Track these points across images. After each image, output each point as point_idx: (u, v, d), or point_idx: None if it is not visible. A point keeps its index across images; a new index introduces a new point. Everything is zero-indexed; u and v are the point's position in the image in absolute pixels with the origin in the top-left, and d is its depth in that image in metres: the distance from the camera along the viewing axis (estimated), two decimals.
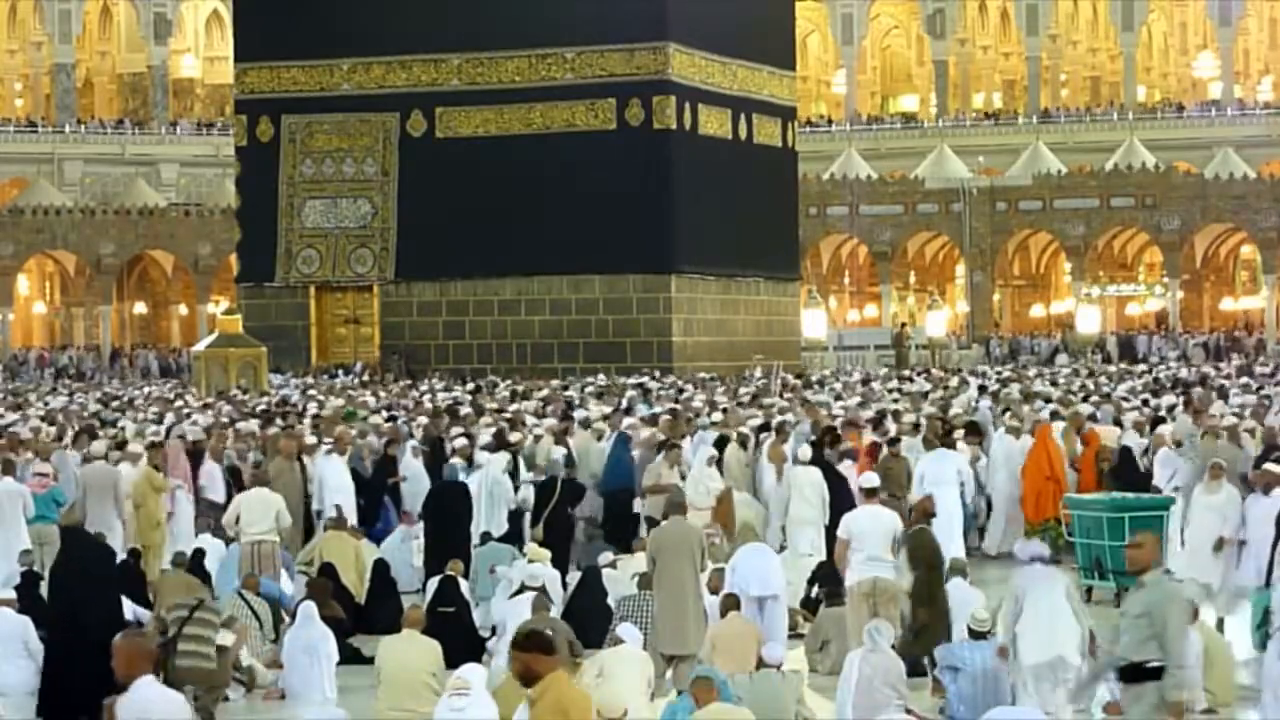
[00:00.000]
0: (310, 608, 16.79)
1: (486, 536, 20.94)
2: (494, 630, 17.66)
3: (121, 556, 20.12)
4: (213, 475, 23.17)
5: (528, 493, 22.47)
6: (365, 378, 51.33)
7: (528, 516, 22.31)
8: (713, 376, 46.61)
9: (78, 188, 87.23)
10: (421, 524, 22.18)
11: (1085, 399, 32.89)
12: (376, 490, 24.01)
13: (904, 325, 73.00)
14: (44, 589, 17.10)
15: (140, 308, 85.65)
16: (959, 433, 25.05)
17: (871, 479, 17.85)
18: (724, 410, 30.37)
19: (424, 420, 29.57)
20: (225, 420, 31.06)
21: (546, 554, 18.64)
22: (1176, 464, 22.89)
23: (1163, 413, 28.18)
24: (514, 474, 23.13)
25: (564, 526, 21.55)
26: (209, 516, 22.67)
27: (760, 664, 14.60)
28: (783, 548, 20.87)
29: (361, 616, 19.21)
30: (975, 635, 14.85)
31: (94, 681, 11.41)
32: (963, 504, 21.98)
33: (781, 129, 61.05)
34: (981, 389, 37.48)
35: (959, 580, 16.83)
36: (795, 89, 65.02)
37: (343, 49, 56.44)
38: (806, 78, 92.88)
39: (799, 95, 70.02)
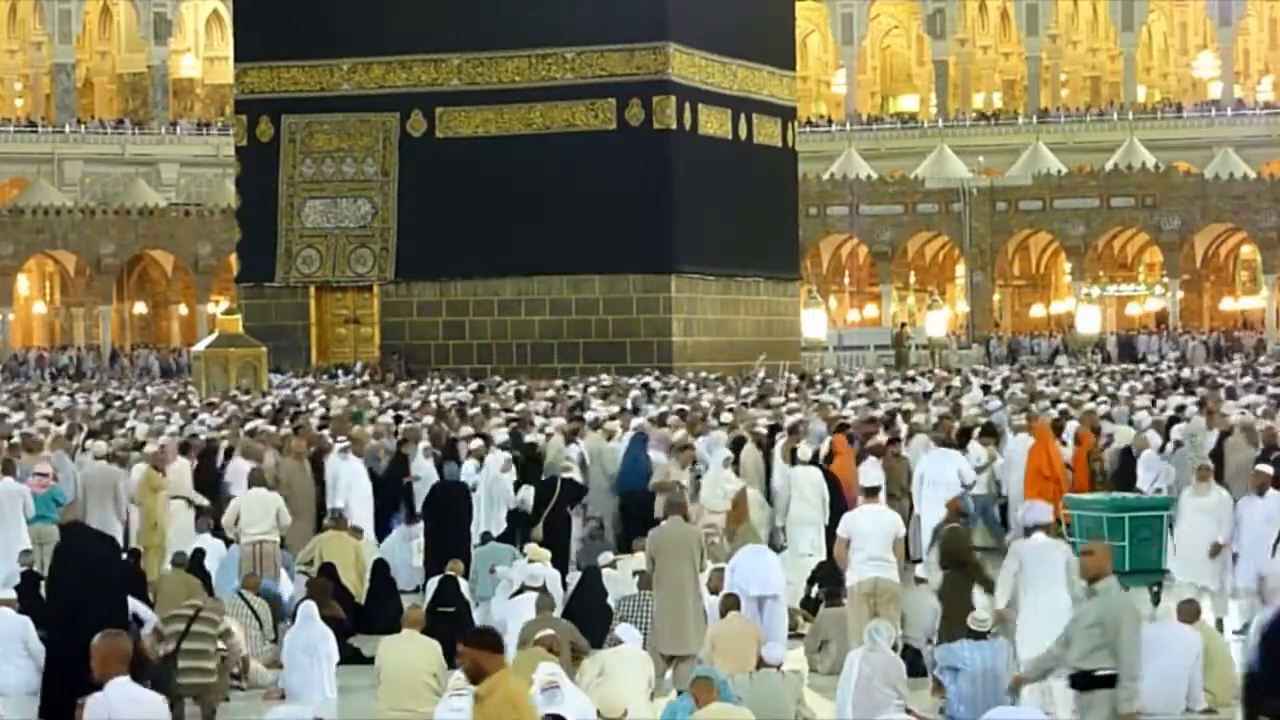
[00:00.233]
0: (310, 608, 16.79)
1: (486, 536, 20.95)
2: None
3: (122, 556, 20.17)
4: (240, 473, 23.16)
5: (527, 493, 22.48)
6: (366, 378, 51.31)
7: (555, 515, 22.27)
8: (716, 376, 46.61)
9: (78, 188, 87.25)
10: (421, 524, 22.20)
11: (1093, 398, 32.93)
12: (391, 491, 24.00)
13: (904, 325, 73.02)
14: (44, 589, 17.09)
15: (140, 308, 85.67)
16: (976, 433, 25.04)
17: (872, 478, 17.85)
18: (730, 410, 30.42)
19: (429, 420, 29.61)
20: (237, 420, 31.13)
21: (546, 554, 18.63)
22: (1159, 466, 22.90)
23: (1172, 412, 28.10)
24: (533, 475, 23.03)
25: (564, 526, 21.54)
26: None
27: (760, 664, 14.60)
28: (782, 548, 20.87)
29: (361, 616, 19.21)
30: (975, 635, 14.85)
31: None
32: (962, 504, 21.94)
33: (781, 129, 61.05)
34: (985, 389, 37.49)
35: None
36: (795, 89, 65.02)
37: (343, 49, 56.42)
38: (806, 78, 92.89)
39: (799, 95, 70.02)
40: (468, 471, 23.46)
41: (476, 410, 32.00)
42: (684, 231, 54.68)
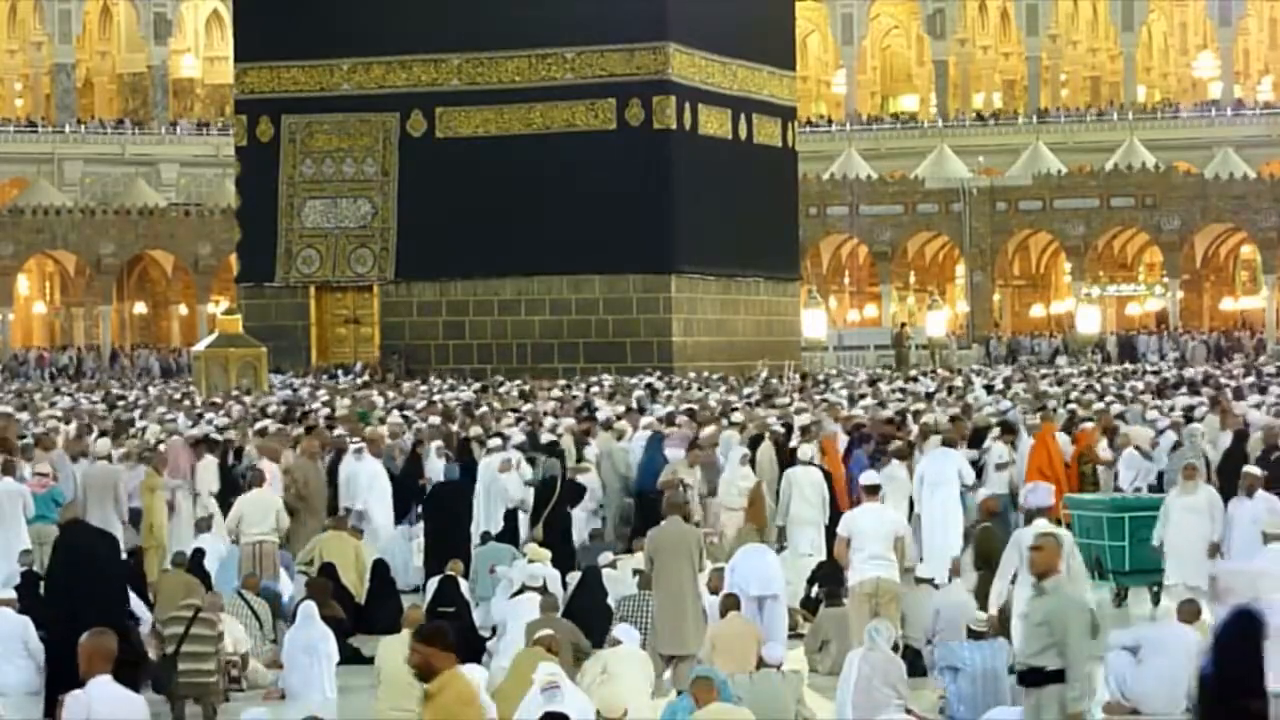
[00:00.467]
0: (310, 608, 16.79)
1: (486, 536, 20.94)
2: (494, 630, 17.66)
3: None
4: (271, 473, 23.16)
5: (526, 493, 22.47)
6: (366, 378, 51.31)
7: (578, 515, 22.26)
8: (719, 377, 46.61)
9: (78, 188, 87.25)
10: (421, 524, 22.20)
11: (1100, 398, 32.95)
12: (407, 491, 23.98)
13: (904, 325, 72.99)
14: (43, 588, 17.09)
15: (140, 308, 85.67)
16: (995, 431, 25.03)
17: (872, 477, 17.85)
18: (736, 409, 30.42)
19: (435, 420, 29.62)
20: (245, 421, 31.14)
21: (546, 554, 18.62)
22: (1140, 465, 22.87)
23: (1180, 413, 28.04)
24: (559, 476, 23.04)
25: (564, 526, 21.53)
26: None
27: (760, 664, 14.60)
28: (782, 548, 20.87)
29: (361, 616, 19.21)
30: (975, 635, 14.85)
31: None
32: (963, 504, 21.94)
33: (781, 129, 61.05)
34: (988, 389, 37.51)
35: (959, 581, 16.83)
36: (795, 89, 65.02)
37: (343, 49, 56.42)
38: (806, 78, 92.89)
39: (799, 95, 70.03)
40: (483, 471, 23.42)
41: (485, 410, 31.98)
42: (684, 231, 54.68)
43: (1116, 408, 29.25)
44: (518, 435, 25.42)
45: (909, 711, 13.70)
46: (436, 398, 37.96)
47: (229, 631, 16.51)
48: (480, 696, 9.80)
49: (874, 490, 17.13)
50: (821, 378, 46.61)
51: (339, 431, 27.14)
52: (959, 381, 41.59)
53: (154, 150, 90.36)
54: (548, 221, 53.51)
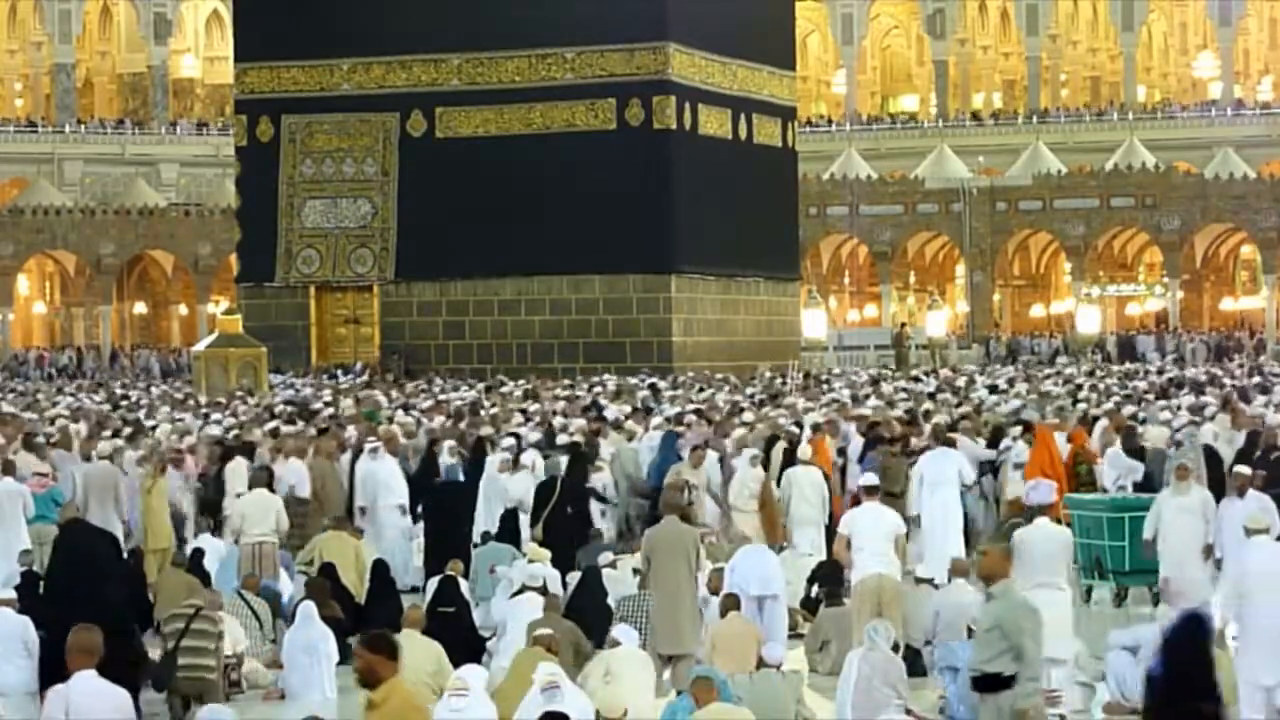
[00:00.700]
0: (310, 608, 16.79)
1: (486, 536, 20.94)
2: (494, 630, 17.66)
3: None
4: (300, 474, 23.16)
5: (526, 492, 22.47)
6: (366, 378, 51.31)
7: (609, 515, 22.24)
8: (722, 377, 46.61)
9: (78, 188, 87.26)
10: (421, 524, 22.19)
11: (1106, 398, 32.98)
12: (422, 490, 23.98)
13: (904, 325, 73.00)
14: (43, 587, 17.08)
15: (140, 308, 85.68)
16: (1014, 430, 25.03)
17: (870, 478, 17.86)
18: (743, 409, 30.43)
19: (440, 420, 29.64)
20: (251, 420, 31.13)
21: (546, 554, 18.62)
22: (1124, 465, 22.84)
23: (1186, 413, 28.01)
24: (579, 475, 23.03)
25: (564, 526, 21.52)
26: (298, 513, 22.50)
27: (760, 664, 14.60)
28: (783, 548, 20.87)
29: (361, 616, 19.19)
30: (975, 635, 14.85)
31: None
32: (963, 504, 21.95)
33: (781, 129, 61.05)
34: (992, 389, 37.52)
35: (960, 581, 16.82)
36: (795, 89, 65.02)
37: (343, 49, 56.42)
38: (806, 78, 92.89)
39: (799, 95, 70.02)
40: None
41: (497, 410, 31.96)
42: (684, 231, 54.67)
43: (1129, 409, 29.22)
44: (534, 434, 25.43)
45: (909, 712, 13.71)
46: (442, 398, 37.97)
47: (228, 632, 16.52)
48: (424, 708, 9.77)
49: (873, 490, 17.15)
50: (824, 378, 46.61)
51: (350, 431, 27.15)
52: (962, 382, 41.60)
53: (154, 150, 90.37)
54: (548, 221, 53.51)
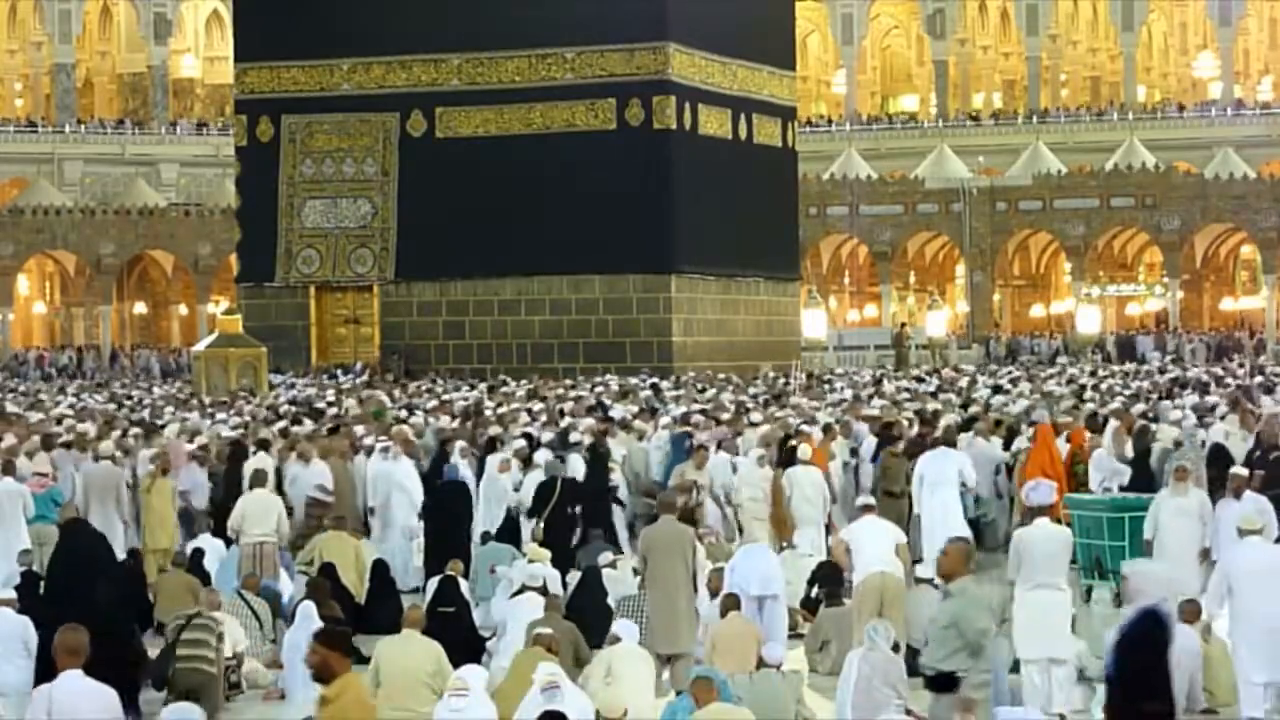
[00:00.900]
0: (309, 608, 16.78)
1: (486, 536, 20.94)
2: (494, 630, 17.66)
3: (121, 556, 20.18)
4: (323, 473, 23.15)
5: (525, 493, 22.48)
6: (366, 377, 51.30)
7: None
8: (724, 377, 46.61)
9: (78, 188, 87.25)
10: (422, 524, 22.19)
11: (1112, 397, 33.00)
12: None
13: (904, 325, 72.99)
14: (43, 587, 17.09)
15: (140, 308, 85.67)
16: (1029, 430, 25.01)
17: (867, 498, 18.02)
18: (748, 410, 30.44)
19: (444, 420, 29.63)
20: (258, 420, 31.13)
21: (546, 554, 18.62)
22: (1109, 466, 22.83)
23: (1188, 413, 28.01)
24: (598, 474, 23.01)
25: (564, 526, 21.53)
26: (315, 515, 22.50)
27: (760, 664, 14.60)
28: (783, 548, 20.88)
29: (361, 616, 19.21)
30: None
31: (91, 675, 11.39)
32: (963, 504, 21.95)
33: (781, 129, 61.04)
34: (996, 389, 37.53)
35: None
36: (795, 89, 65.01)
37: (343, 49, 56.41)
38: (806, 78, 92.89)
39: (799, 95, 70.01)
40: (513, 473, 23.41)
41: (506, 410, 31.95)
42: (684, 231, 54.67)
43: (1138, 408, 29.21)
44: (547, 434, 25.44)
45: (909, 712, 13.69)
46: (445, 397, 37.97)
47: (228, 632, 16.52)
48: (374, 705, 9.78)
49: (870, 509, 17.33)
50: (827, 378, 46.61)
51: (359, 430, 27.16)
52: (964, 382, 41.61)
53: (154, 150, 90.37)
54: (548, 221, 53.50)
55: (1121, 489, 22.59)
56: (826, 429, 25.45)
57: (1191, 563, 17.84)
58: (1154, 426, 25.82)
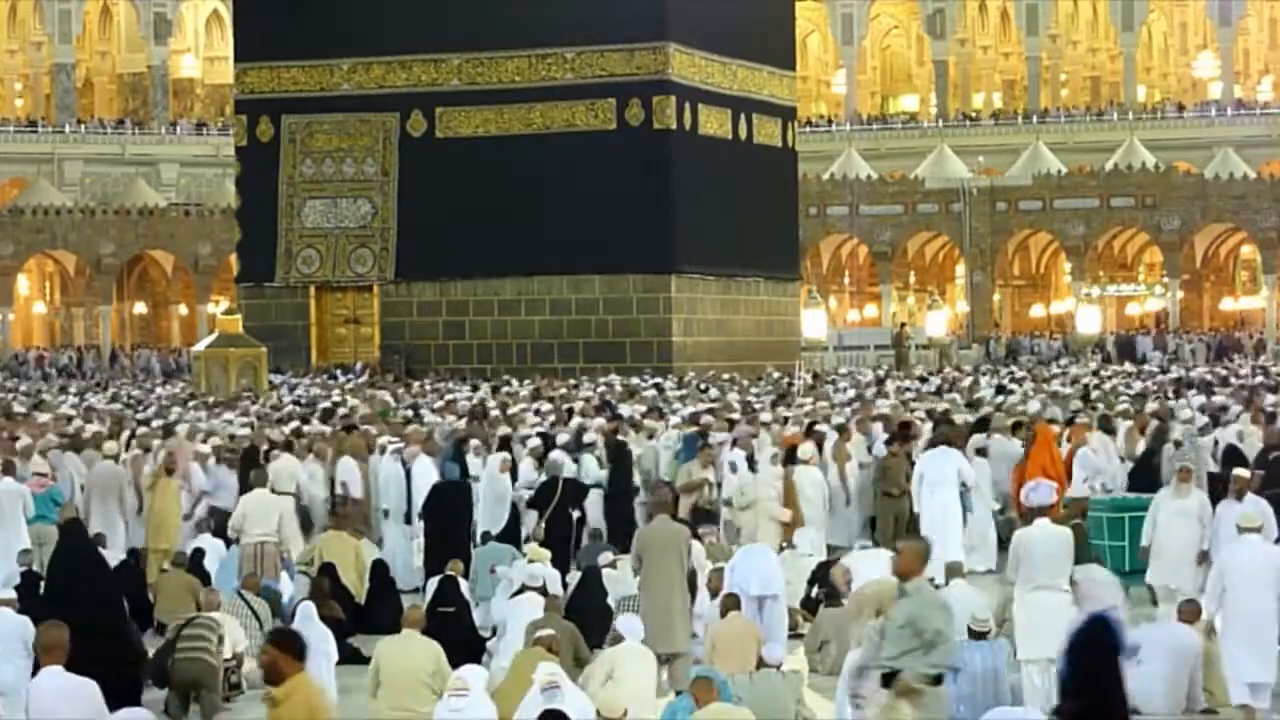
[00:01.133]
0: (310, 608, 16.76)
1: (486, 536, 20.94)
2: (494, 630, 17.65)
3: (121, 556, 20.19)
4: (351, 472, 23.14)
5: (525, 492, 22.49)
6: (366, 378, 51.29)
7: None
8: (730, 378, 46.59)
9: (78, 188, 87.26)
10: (421, 524, 22.18)
11: (1116, 397, 33.00)
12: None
13: (904, 325, 72.99)
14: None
15: (140, 308, 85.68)
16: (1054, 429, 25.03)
17: (866, 542, 18.13)
18: (756, 410, 30.46)
19: (452, 419, 29.62)
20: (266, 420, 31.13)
21: (546, 554, 18.62)
22: (1093, 465, 22.84)
23: (1194, 413, 28.01)
24: (623, 475, 22.97)
25: (565, 526, 21.53)
26: (353, 514, 22.49)
27: (760, 664, 14.60)
28: (783, 548, 20.88)
29: (361, 616, 19.20)
30: (975, 635, 14.85)
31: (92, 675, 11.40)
32: (962, 504, 21.95)
33: (781, 129, 61.02)
34: (1000, 389, 37.54)
35: (958, 582, 16.84)
36: (795, 89, 64.99)
37: (343, 49, 56.41)
38: (806, 78, 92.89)
39: (799, 95, 70.00)
40: (525, 471, 23.39)
41: (515, 411, 31.95)
42: (684, 231, 54.66)
43: (1151, 407, 29.21)
44: (562, 435, 25.45)
45: None
46: (448, 397, 37.96)
47: (228, 632, 16.51)
48: (328, 707, 9.78)
49: (867, 548, 17.44)
50: (831, 378, 46.59)
51: (374, 430, 27.16)
52: (967, 381, 41.61)
53: (154, 150, 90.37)
54: (548, 221, 53.49)
55: (1106, 489, 22.60)
56: (841, 429, 25.44)
57: (1189, 564, 17.83)
58: (1171, 423, 25.80)
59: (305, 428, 28.40)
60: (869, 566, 16.77)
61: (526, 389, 41.49)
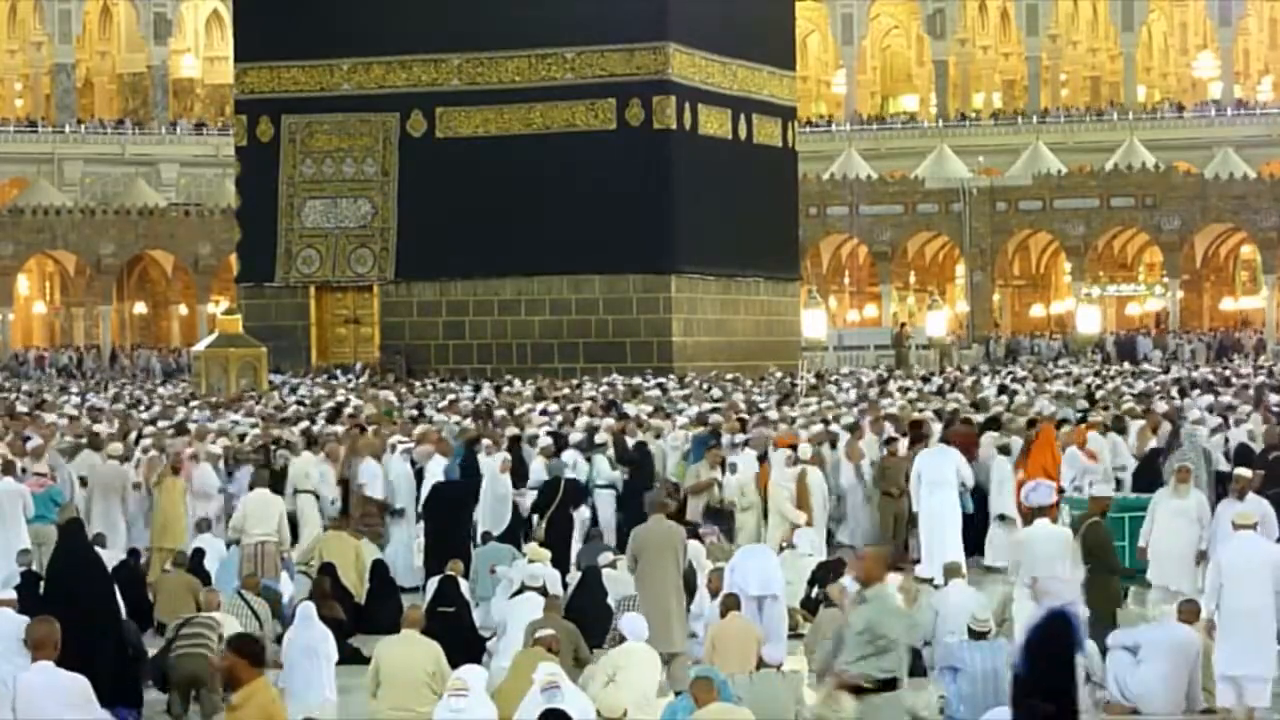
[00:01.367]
0: (310, 608, 16.77)
1: (487, 536, 20.94)
2: (494, 630, 17.66)
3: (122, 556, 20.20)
4: (373, 473, 23.14)
5: (526, 492, 22.50)
6: (366, 378, 51.29)
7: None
8: (734, 378, 46.59)
9: (78, 188, 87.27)
10: (422, 524, 22.19)
11: (1119, 397, 33.00)
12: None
13: (904, 325, 72.99)
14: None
15: (140, 308, 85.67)
16: (1066, 428, 25.04)
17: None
18: (763, 410, 30.46)
19: (457, 419, 29.63)
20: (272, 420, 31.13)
21: (546, 554, 18.63)
22: (1080, 465, 22.86)
23: (1199, 413, 27.99)
24: (645, 475, 22.95)
25: (565, 526, 21.53)
26: (371, 515, 22.47)
27: (760, 664, 14.60)
28: (783, 548, 20.88)
29: (361, 616, 19.21)
30: (975, 635, 14.86)
31: (90, 675, 11.40)
32: (961, 504, 21.96)
33: (781, 129, 61.02)
34: (1002, 389, 37.54)
35: (957, 581, 16.83)
36: (795, 89, 64.99)
37: (343, 49, 56.41)
38: (806, 78, 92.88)
39: (799, 95, 70.00)
40: (536, 470, 23.39)
41: (523, 411, 31.94)
42: (684, 231, 54.66)
43: (1161, 407, 29.22)
44: (575, 434, 25.45)
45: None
46: (452, 397, 37.94)
47: (227, 633, 16.50)
48: (283, 711, 9.83)
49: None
50: (833, 378, 46.59)
51: (385, 431, 27.15)
52: (969, 381, 41.61)
53: (154, 150, 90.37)
54: (548, 221, 53.50)
55: (1082, 490, 22.57)
56: (854, 427, 25.45)
57: (1188, 564, 17.83)
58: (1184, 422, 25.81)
59: (314, 428, 28.40)
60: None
61: (529, 389, 41.49)
